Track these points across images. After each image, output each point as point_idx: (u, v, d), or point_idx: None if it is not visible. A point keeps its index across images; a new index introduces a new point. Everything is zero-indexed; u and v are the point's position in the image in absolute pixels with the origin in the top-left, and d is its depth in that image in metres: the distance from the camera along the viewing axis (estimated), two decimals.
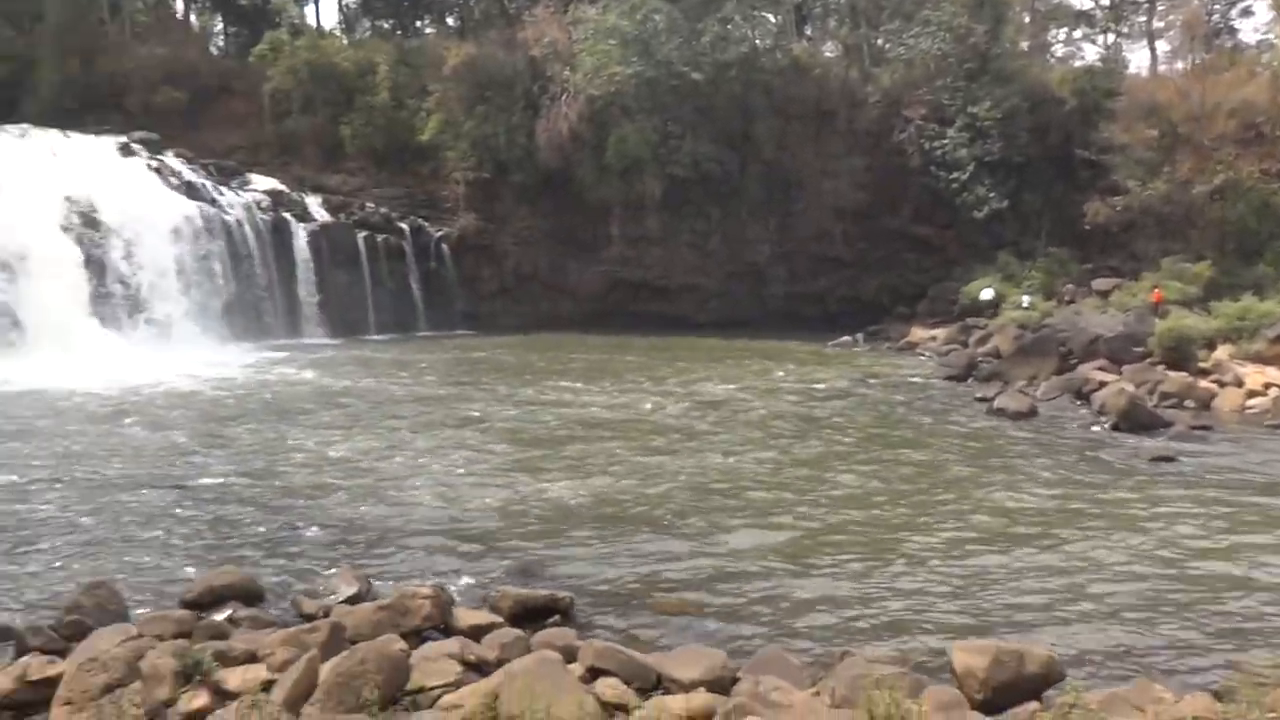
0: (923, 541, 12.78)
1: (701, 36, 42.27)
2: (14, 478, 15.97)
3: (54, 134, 39.48)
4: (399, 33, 57.08)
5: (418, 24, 59.71)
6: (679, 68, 41.68)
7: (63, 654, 8.65)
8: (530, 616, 10.06)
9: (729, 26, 43.31)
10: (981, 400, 24.29)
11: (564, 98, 42.30)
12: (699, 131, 42.05)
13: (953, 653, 8.51)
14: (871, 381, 28.07)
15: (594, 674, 8.20)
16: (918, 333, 37.93)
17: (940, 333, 36.66)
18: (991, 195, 39.54)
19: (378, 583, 11.05)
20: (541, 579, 11.39)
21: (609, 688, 7.88)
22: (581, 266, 44.29)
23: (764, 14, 47.95)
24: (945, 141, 40.69)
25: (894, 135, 42.14)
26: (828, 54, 49.93)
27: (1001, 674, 8.03)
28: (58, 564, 11.81)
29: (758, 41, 45.38)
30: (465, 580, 11.37)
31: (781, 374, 29.26)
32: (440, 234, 44.12)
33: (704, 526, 13.44)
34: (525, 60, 43.64)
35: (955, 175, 40.28)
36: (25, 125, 39.55)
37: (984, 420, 22.08)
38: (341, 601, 10.23)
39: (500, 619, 9.82)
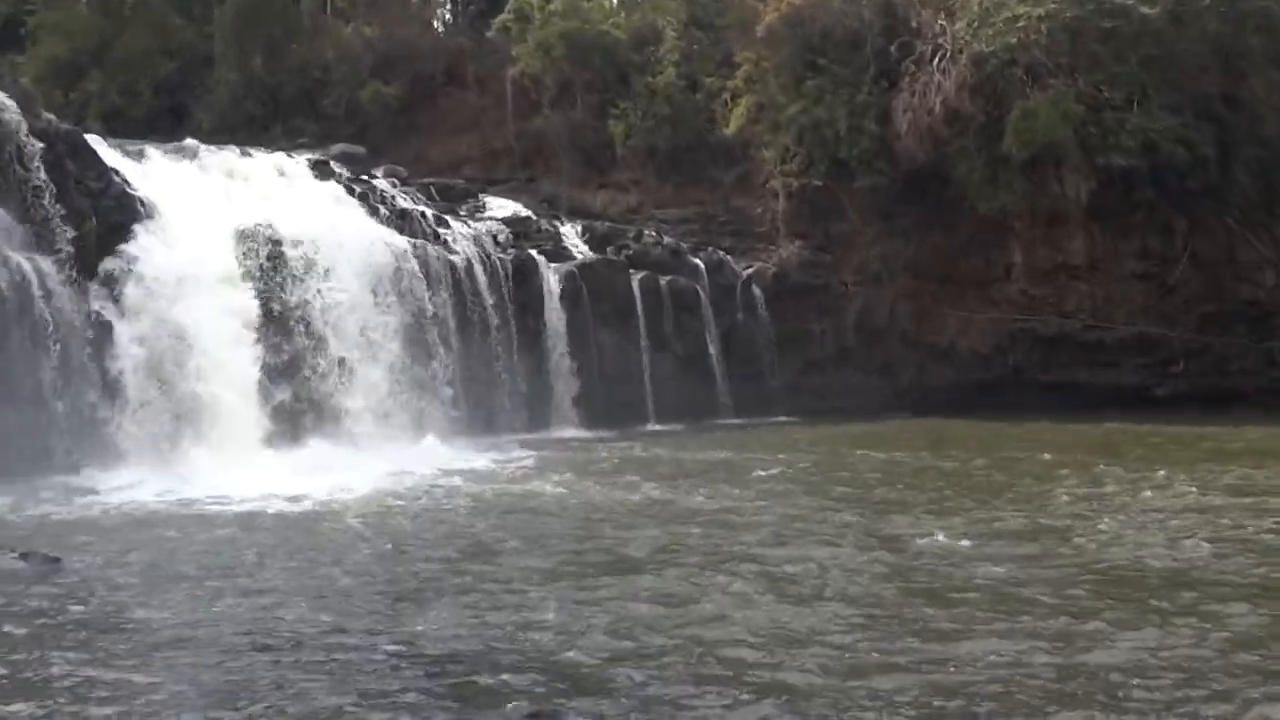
0: None
1: None
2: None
3: (229, 154, 31.30)
4: None
5: None
6: (1120, 1, 30.84)
7: None
8: None
9: None
10: None
11: (937, 60, 31.86)
12: (1151, 97, 30.81)
13: None
14: None
15: None
16: None
17: None
18: None
19: None
20: None
21: None
22: (964, 314, 32.75)
23: None
24: None
25: None
26: None
27: None
28: None
29: None
30: None
31: None
32: (749, 271, 33.63)
33: None
34: (878, 8, 33.42)
35: None
36: (194, 142, 31.46)
37: None
38: None
39: None
